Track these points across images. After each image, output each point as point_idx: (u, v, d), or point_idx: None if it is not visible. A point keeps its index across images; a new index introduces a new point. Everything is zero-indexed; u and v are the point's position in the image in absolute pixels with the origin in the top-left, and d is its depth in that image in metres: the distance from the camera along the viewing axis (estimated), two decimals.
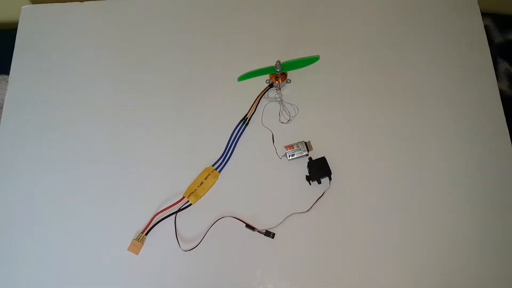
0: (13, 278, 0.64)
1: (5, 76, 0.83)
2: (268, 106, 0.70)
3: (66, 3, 0.80)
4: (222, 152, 0.67)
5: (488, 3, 0.90)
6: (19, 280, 0.63)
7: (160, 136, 0.70)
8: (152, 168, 0.68)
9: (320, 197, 0.64)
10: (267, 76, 0.71)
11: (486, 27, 0.75)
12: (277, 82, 0.70)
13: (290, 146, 0.67)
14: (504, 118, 0.69)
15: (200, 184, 0.65)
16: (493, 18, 0.94)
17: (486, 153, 0.67)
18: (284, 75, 0.70)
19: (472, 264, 0.62)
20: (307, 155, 0.66)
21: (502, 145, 0.68)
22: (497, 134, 0.68)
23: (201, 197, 0.65)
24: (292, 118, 0.70)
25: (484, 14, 0.76)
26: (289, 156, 0.66)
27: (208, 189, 0.65)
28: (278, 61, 0.68)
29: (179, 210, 0.64)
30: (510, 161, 0.67)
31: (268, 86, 0.70)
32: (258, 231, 0.63)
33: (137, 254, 0.63)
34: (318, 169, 0.65)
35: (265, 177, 0.67)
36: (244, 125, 0.69)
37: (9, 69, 0.75)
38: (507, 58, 0.91)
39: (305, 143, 0.67)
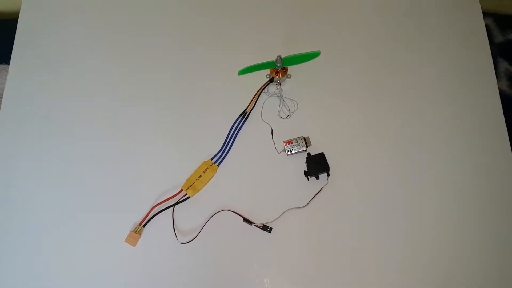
0: (11, 270, 0.64)
1: (5, 66, 0.83)
2: (268, 101, 0.70)
3: None
4: (221, 146, 0.67)
5: (489, 2, 0.90)
6: (16, 272, 0.63)
7: (159, 129, 0.70)
8: (151, 161, 0.68)
9: (318, 192, 0.64)
10: (267, 71, 0.71)
11: (487, 26, 0.75)
12: (277, 77, 0.70)
13: (289, 141, 0.67)
14: (503, 118, 0.69)
15: (199, 178, 0.65)
16: (494, 17, 0.94)
17: (485, 152, 0.68)
18: (284, 70, 0.70)
19: (467, 262, 0.63)
20: (305, 150, 0.66)
21: (501, 144, 0.68)
22: (496, 133, 0.68)
23: (199, 190, 0.65)
24: (291, 114, 0.70)
25: (485, 14, 0.76)
26: (288, 151, 0.66)
27: (207, 183, 0.66)
28: (279, 56, 0.68)
29: (177, 202, 0.64)
30: (508, 160, 0.67)
31: (268, 80, 0.70)
32: (255, 225, 0.63)
33: (135, 246, 0.63)
34: (317, 165, 0.65)
35: (263, 171, 0.67)
36: (244, 119, 0.69)
37: (10, 59, 0.75)
38: (507, 58, 0.91)
39: (304, 138, 0.67)
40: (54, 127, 0.71)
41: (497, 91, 0.71)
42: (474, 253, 0.63)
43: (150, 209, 0.64)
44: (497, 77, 0.72)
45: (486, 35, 0.74)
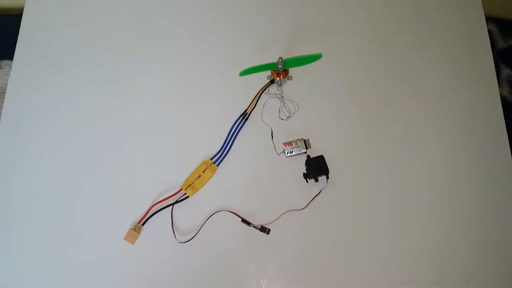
0: (10, 267, 0.64)
1: (8, 62, 0.83)
2: (268, 102, 0.70)
3: None
4: (220, 146, 0.68)
5: (492, 7, 0.89)
6: (13, 270, 0.64)
7: (160, 128, 0.70)
8: (151, 159, 0.68)
9: (316, 195, 0.64)
10: (268, 72, 0.71)
11: (489, 31, 0.75)
12: (278, 78, 0.70)
13: (289, 143, 0.67)
14: (504, 124, 0.69)
15: (198, 177, 0.65)
16: (497, 23, 0.93)
17: (485, 158, 0.67)
18: (285, 72, 0.70)
19: (466, 263, 0.63)
20: (305, 152, 0.66)
21: (502, 151, 0.68)
22: (497, 140, 0.68)
23: (198, 190, 0.65)
24: (292, 115, 0.70)
25: (487, 18, 0.75)
26: (288, 153, 0.66)
27: (206, 182, 0.66)
28: (280, 58, 0.68)
29: (176, 202, 0.65)
30: (509, 167, 0.67)
31: (269, 82, 0.71)
32: (253, 226, 0.63)
33: (133, 244, 0.63)
34: (316, 167, 0.65)
35: (262, 173, 0.67)
36: (244, 120, 0.69)
37: (13, 55, 0.75)
38: (509, 64, 0.91)
39: (304, 140, 0.67)
40: (56, 124, 0.71)
41: (499, 97, 0.70)
42: (472, 256, 0.63)
43: (149, 207, 0.64)
44: (498, 84, 0.72)
45: (489, 40, 0.74)
